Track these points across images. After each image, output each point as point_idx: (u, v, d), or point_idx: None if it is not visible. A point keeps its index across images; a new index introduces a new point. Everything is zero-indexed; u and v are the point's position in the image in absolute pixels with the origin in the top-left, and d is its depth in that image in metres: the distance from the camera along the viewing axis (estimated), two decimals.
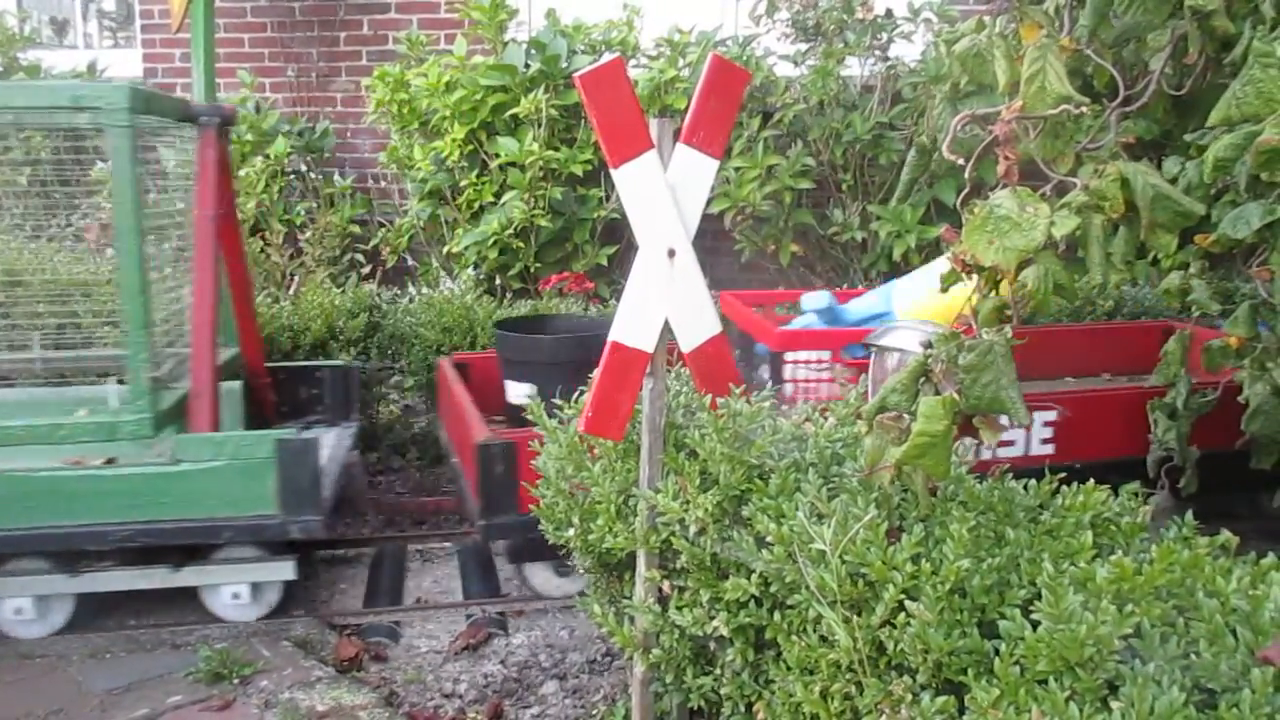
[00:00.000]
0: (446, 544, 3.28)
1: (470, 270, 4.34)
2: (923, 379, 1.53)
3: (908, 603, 1.39)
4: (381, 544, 3.24)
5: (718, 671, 1.76)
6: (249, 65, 5.63)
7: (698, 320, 1.81)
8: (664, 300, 1.77)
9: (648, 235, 1.76)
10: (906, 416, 1.55)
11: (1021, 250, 1.42)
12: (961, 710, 1.34)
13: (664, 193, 1.75)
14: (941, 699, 1.35)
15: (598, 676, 2.46)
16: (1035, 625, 1.29)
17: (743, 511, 1.67)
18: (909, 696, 1.40)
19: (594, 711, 2.27)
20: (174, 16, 5.65)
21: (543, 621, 2.77)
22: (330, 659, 2.52)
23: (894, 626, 1.42)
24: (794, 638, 1.57)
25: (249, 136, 5.03)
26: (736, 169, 4.34)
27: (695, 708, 1.86)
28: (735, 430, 1.72)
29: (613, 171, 1.73)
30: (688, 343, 1.82)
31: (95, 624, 2.65)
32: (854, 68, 4.64)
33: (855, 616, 1.46)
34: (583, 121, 4.51)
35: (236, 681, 2.36)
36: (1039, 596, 1.32)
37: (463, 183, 4.49)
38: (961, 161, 1.45)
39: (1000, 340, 1.44)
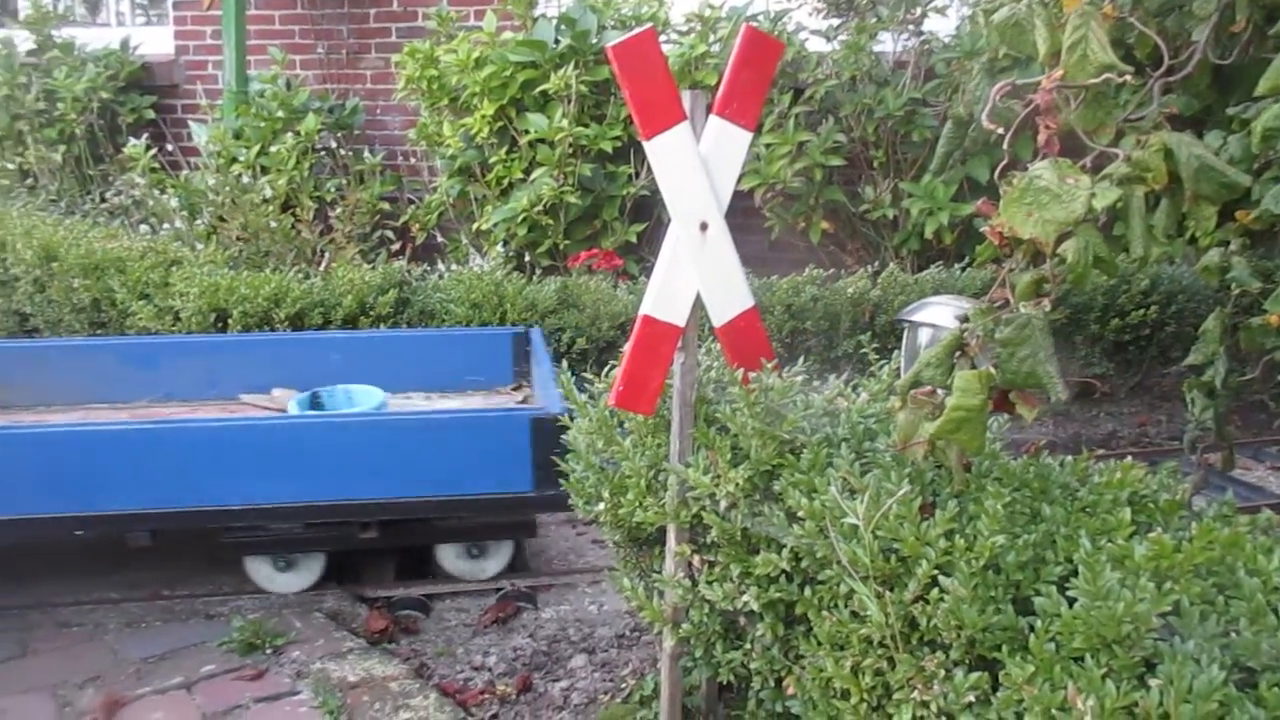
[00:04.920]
0: None
1: (499, 247, 4.34)
2: (958, 353, 1.51)
3: (941, 578, 1.38)
4: None
5: (747, 646, 1.76)
6: (279, 42, 5.64)
7: (729, 294, 1.80)
8: (696, 274, 1.76)
9: (680, 208, 1.74)
10: (941, 391, 1.53)
11: (1061, 222, 1.40)
12: (995, 687, 1.33)
13: (696, 165, 1.73)
14: (975, 675, 1.34)
15: (626, 651, 2.47)
16: (1071, 602, 1.28)
17: (774, 486, 1.66)
18: (942, 672, 1.39)
19: (623, 685, 2.27)
20: None
21: (571, 596, 2.78)
22: (361, 631, 2.54)
23: (927, 602, 1.41)
24: (825, 613, 1.56)
25: (280, 114, 5.05)
26: (767, 145, 4.31)
27: (724, 682, 1.86)
28: (767, 405, 1.71)
29: (644, 144, 1.72)
30: (719, 316, 1.80)
31: (130, 594, 2.68)
32: (886, 43, 4.58)
33: (887, 592, 1.45)
34: (612, 98, 4.48)
35: (269, 652, 2.39)
36: (1075, 573, 1.30)
37: (492, 159, 4.48)
38: (1001, 131, 1.43)
39: (1038, 314, 1.42)
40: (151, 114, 5.96)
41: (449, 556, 2.78)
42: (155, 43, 6.31)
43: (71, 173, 5.58)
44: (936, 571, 1.40)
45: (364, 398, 3.04)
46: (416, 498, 2.59)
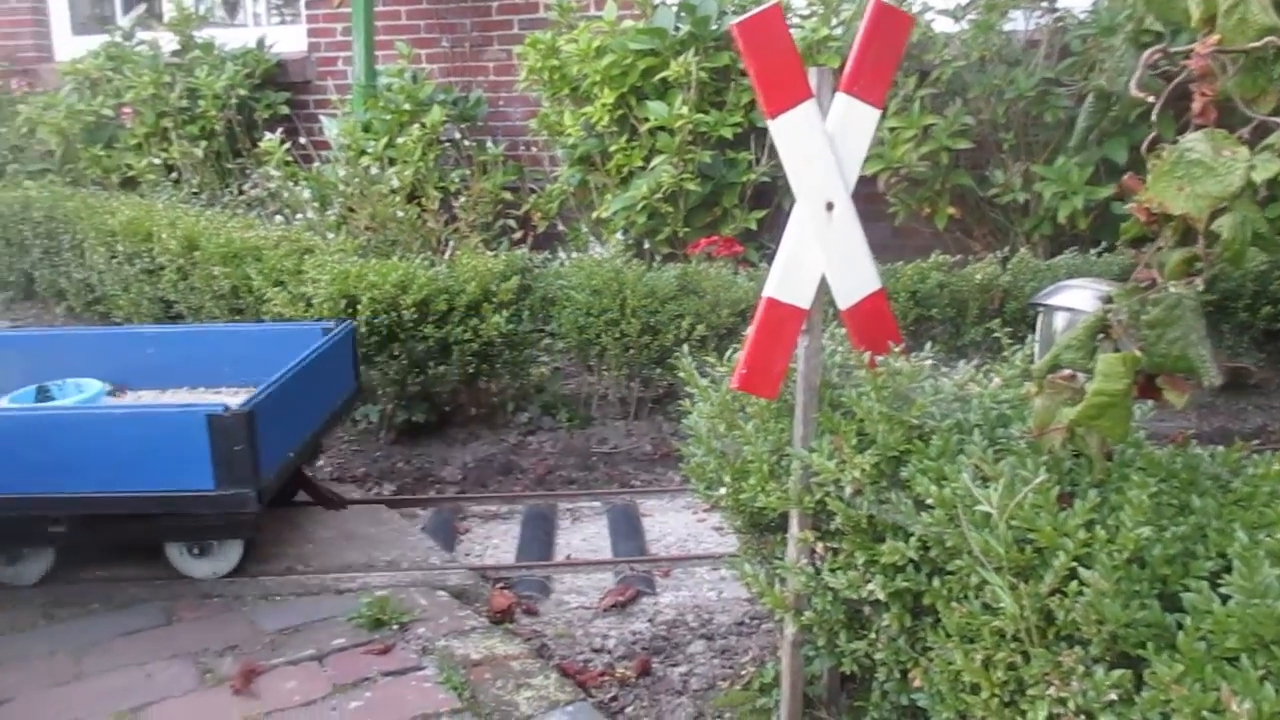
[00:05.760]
0: (595, 503, 3.32)
1: (619, 235, 4.35)
2: (1100, 335, 1.44)
3: (1081, 571, 1.32)
4: (533, 501, 3.31)
5: (872, 636, 1.72)
6: (406, 37, 5.78)
7: (856, 276, 1.76)
8: (821, 255, 1.73)
9: (805, 188, 1.71)
10: (1080, 376, 1.46)
11: (1216, 197, 1.32)
12: (1139, 686, 1.27)
13: (822, 143, 1.70)
14: (1117, 673, 1.28)
15: (745, 638, 2.45)
16: (1224, 599, 1.21)
17: (901, 473, 1.62)
18: (1080, 669, 1.33)
19: (742, 672, 2.26)
20: None
21: (689, 582, 2.78)
22: (483, 610, 2.58)
23: (1064, 595, 1.35)
24: (954, 604, 1.51)
25: (406, 107, 5.18)
26: (891, 129, 4.21)
27: (847, 672, 1.83)
28: (895, 389, 1.66)
29: (769, 122, 1.69)
30: (845, 299, 1.77)
31: (264, 568, 2.78)
32: (1018, 21, 4.42)
33: (1022, 584, 1.40)
34: (733, 84, 4.45)
35: (396, 628, 2.45)
36: (1228, 569, 1.23)
37: (612, 148, 4.50)
38: (1151, 100, 1.35)
39: (1189, 294, 1.34)
40: (285, 109, 6.19)
41: (174, 554, 2.71)
42: (289, 41, 6.55)
43: (212, 167, 5.84)
44: (1075, 563, 1.34)
45: (89, 390, 3.09)
46: (98, 493, 2.53)
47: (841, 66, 1.75)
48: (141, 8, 6.87)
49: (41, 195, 5.64)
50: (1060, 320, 2.16)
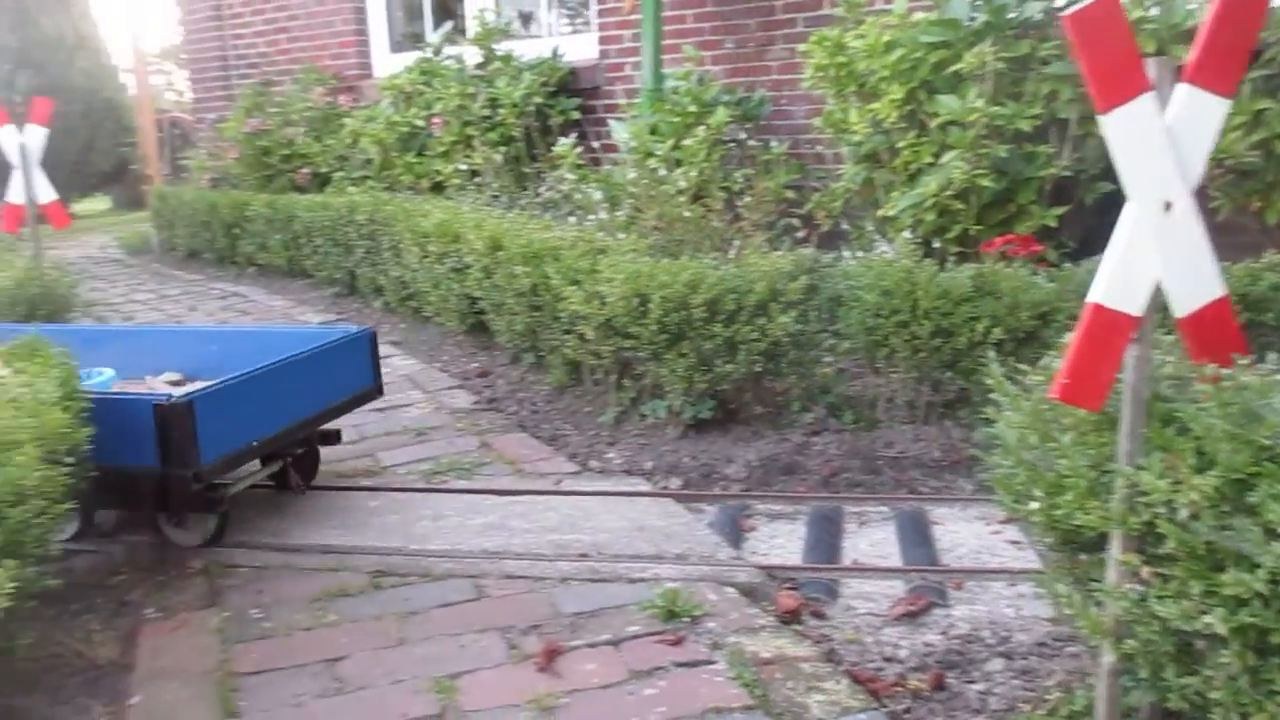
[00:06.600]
0: (883, 509, 3.25)
1: (906, 233, 4.24)
2: None
3: None
4: (818, 503, 3.29)
5: (1207, 672, 1.58)
6: (692, 40, 5.90)
7: (1197, 281, 1.63)
8: (1157, 259, 1.61)
9: (1139, 186, 1.60)
10: None
11: None
12: None
13: (1161, 138, 1.58)
14: None
15: (1048, 660, 2.32)
16: None
17: (1248, 498, 1.48)
18: None
19: (1047, 696, 2.14)
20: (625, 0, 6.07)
21: (984, 597, 2.67)
22: (771, 610, 2.60)
23: None
24: None
25: (692, 108, 5.28)
26: None
27: (1173, 708, 1.69)
28: (1241, 405, 1.52)
29: (1100, 117, 1.59)
30: (1182, 306, 1.64)
31: (562, 554, 2.93)
32: None
33: None
34: (1031, 74, 4.22)
35: (687, 620, 2.51)
36: None
37: (899, 144, 4.39)
38: None
39: None
40: (576, 115, 6.49)
41: (161, 522, 3.01)
42: (580, 49, 6.87)
43: (510, 171, 6.21)
44: None
45: (103, 376, 3.49)
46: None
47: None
48: (449, 25, 7.41)
49: (364, 200, 6.22)
50: None
